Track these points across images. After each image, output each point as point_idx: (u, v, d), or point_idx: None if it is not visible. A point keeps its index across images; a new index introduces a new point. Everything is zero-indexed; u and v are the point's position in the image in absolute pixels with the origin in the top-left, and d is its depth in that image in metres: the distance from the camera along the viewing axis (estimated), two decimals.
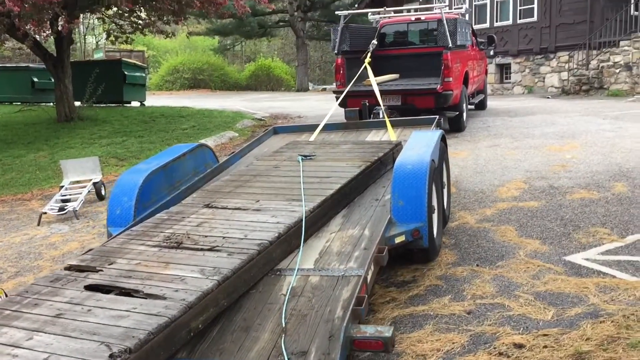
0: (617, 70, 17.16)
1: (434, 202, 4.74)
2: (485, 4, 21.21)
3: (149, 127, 13.75)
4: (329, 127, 7.47)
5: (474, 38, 12.74)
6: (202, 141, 10.79)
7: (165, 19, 13.84)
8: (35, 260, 5.94)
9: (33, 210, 8.04)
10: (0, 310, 2.94)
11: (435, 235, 4.66)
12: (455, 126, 10.79)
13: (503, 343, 3.42)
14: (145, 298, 2.98)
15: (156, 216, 4.40)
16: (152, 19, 13.95)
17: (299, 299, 3.36)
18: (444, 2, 20.31)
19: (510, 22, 20.55)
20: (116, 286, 3.14)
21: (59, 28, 12.33)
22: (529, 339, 3.45)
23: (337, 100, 9.60)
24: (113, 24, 15.12)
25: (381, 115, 7.93)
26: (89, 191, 7.99)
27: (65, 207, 7.41)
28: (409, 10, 14.12)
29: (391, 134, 6.80)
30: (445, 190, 5.47)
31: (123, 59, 20.26)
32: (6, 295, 3.74)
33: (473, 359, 3.31)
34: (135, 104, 18.95)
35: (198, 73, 32.44)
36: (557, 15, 19.14)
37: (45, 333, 2.67)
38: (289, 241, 3.93)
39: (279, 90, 31.91)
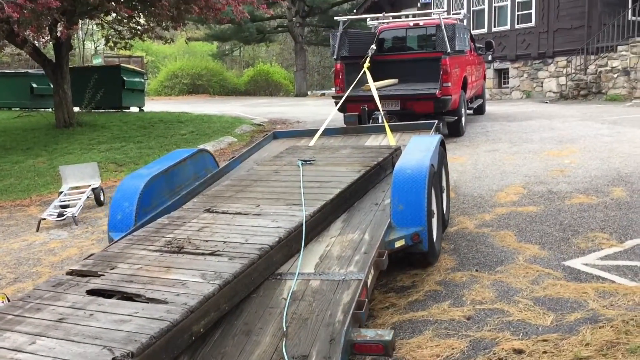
0: (615, 75, 17.22)
1: (434, 207, 4.76)
2: (483, 10, 21.27)
3: (147, 133, 13.76)
4: (329, 132, 7.48)
5: (472, 43, 12.79)
6: (201, 146, 10.80)
7: (164, 24, 13.85)
8: (34, 267, 5.93)
9: (32, 216, 8.03)
10: (3, 315, 2.94)
11: (434, 240, 4.68)
12: (454, 131, 10.83)
13: (502, 349, 3.43)
14: (147, 302, 2.99)
15: (157, 221, 4.41)
16: (151, 24, 13.96)
17: (299, 303, 3.37)
18: (442, 8, 20.39)
19: (508, 27, 20.61)
20: (118, 291, 3.15)
21: (58, 34, 12.33)
22: (528, 344, 3.45)
23: (336, 105, 9.63)
24: (112, 30, 15.13)
25: (380, 120, 7.96)
26: (87, 197, 7.98)
27: (64, 213, 7.40)
28: (407, 16, 14.15)
29: (390, 139, 6.82)
30: (444, 195, 5.49)
31: (122, 64, 20.26)
32: (9, 300, 3.74)
33: None
34: (134, 109, 18.96)
35: (197, 78, 32.49)
36: (554, 20, 19.21)
37: (48, 337, 2.68)
38: (289, 245, 3.94)
39: (277, 96, 31.97)
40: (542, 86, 19.97)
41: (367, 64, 9.83)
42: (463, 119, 11.08)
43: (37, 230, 7.24)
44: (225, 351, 3.00)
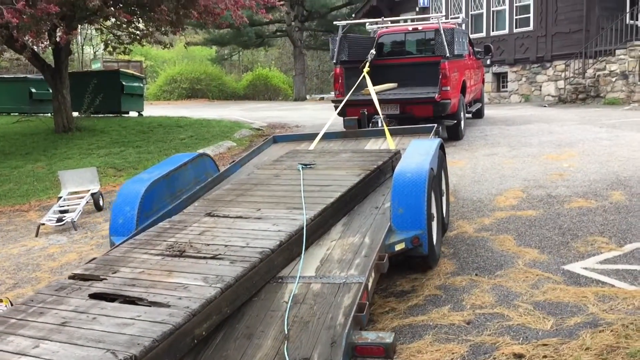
0: (614, 79, 17.27)
1: (433, 210, 4.78)
2: (482, 14, 21.34)
3: (147, 137, 13.77)
4: (329, 136, 7.50)
5: (470, 47, 12.83)
6: (201, 151, 10.81)
7: (163, 29, 13.89)
8: (34, 272, 5.93)
9: (31, 222, 8.03)
10: (6, 319, 2.95)
11: (434, 243, 4.69)
12: (453, 135, 10.86)
13: (503, 353, 3.44)
14: (150, 306, 3.01)
15: (158, 225, 4.42)
16: (150, 29, 13.99)
17: (300, 306, 3.38)
18: (441, 12, 20.44)
19: (506, 31, 20.67)
20: (120, 294, 3.16)
21: (57, 39, 12.35)
22: (528, 348, 3.46)
23: (336, 109, 9.65)
24: (111, 35, 15.16)
25: (380, 124, 7.97)
26: (87, 202, 7.98)
27: (64, 218, 7.39)
28: (406, 20, 14.19)
29: (390, 143, 6.84)
30: (444, 198, 5.51)
31: (121, 69, 20.31)
32: (12, 304, 3.76)
33: None
34: (133, 114, 18.99)
35: (196, 83, 32.53)
36: (553, 24, 19.27)
37: (51, 341, 2.69)
38: (290, 249, 3.96)
39: (276, 100, 31.99)
40: (540, 90, 20.03)
41: (366, 68, 9.86)
42: (462, 122, 11.11)
43: (36, 236, 7.24)
44: (227, 354, 3.01)
